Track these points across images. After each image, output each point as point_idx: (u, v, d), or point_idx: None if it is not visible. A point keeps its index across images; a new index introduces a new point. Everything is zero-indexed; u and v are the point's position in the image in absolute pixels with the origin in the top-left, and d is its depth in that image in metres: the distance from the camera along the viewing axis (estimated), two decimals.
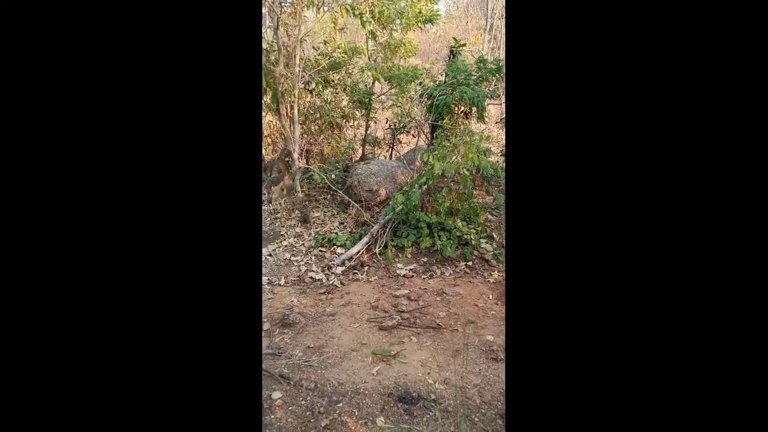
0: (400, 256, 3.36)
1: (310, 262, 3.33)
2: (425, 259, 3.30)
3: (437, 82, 4.23)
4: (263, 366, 2.05)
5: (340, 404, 1.83)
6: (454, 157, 3.39)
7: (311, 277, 3.11)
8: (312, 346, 2.28)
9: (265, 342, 2.32)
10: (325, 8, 4.19)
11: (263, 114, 4.59)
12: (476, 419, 1.74)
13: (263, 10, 4.19)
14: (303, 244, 3.61)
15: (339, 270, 3.19)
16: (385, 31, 4.46)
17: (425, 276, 3.12)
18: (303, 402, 1.85)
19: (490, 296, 2.81)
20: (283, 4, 4.07)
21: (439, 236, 3.32)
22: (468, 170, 3.24)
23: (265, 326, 2.47)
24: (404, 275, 3.13)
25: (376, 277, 3.11)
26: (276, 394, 1.88)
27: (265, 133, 4.71)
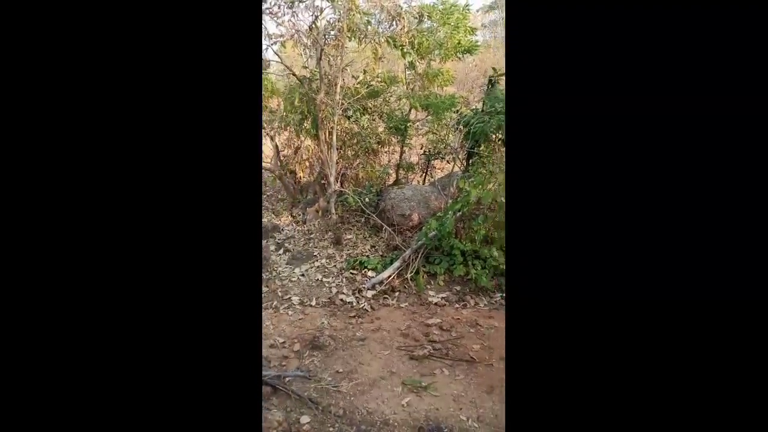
0: (432, 283, 3.29)
1: (341, 284, 3.34)
2: (458, 288, 3.21)
3: (474, 110, 4.25)
4: (293, 388, 2.03)
5: None
6: (490, 185, 3.34)
7: (342, 300, 3.10)
8: (341, 371, 2.24)
9: (295, 363, 2.31)
10: (367, 39, 4.38)
11: (302, 138, 4.77)
12: None
13: (308, 41, 4.44)
14: (335, 265, 3.63)
15: (369, 294, 3.17)
16: (423, 61, 4.58)
17: (458, 305, 3.03)
18: (331, 429, 1.80)
19: None
20: (327, 36, 4.30)
21: (473, 265, 3.24)
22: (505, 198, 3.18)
23: (296, 347, 2.47)
24: (436, 303, 3.06)
25: (406, 304, 3.05)
26: (304, 419, 1.84)
27: (304, 156, 4.88)
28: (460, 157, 4.39)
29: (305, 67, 4.72)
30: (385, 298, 3.14)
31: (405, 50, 4.07)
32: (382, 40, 4.18)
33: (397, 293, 3.18)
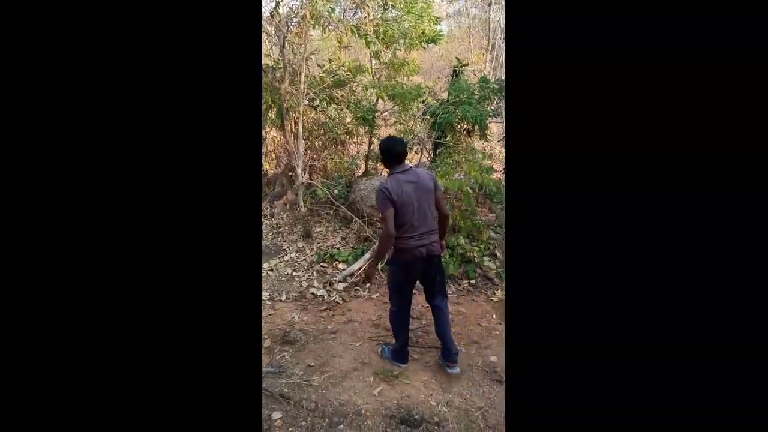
0: None
1: (311, 277, 3.32)
2: None
3: (440, 101, 4.29)
4: (263, 385, 2.01)
5: (341, 426, 1.79)
6: (456, 175, 3.41)
7: (313, 293, 3.09)
8: (313, 364, 2.25)
9: (265, 360, 2.29)
10: (331, 27, 4.29)
11: (267, 130, 4.64)
12: None
13: (270, 28, 4.29)
14: (305, 259, 3.59)
15: (341, 286, 3.17)
16: (389, 50, 4.55)
17: None
18: (303, 423, 1.81)
19: (494, 315, 2.78)
20: (289, 23, 4.17)
21: None
22: (471, 188, 3.25)
23: (266, 343, 2.44)
24: None
25: (378, 294, 3.08)
26: (276, 414, 1.84)
27: (270, 148, 4.75)
28: (427, 147, 4.43)
29: (268, 55, 4.56)
30: (356, 289, 3.16)
31: (369, 39, 4.01)
32: (347, 29, 4.10)
33: (368, 284, 3.20)
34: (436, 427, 1.78)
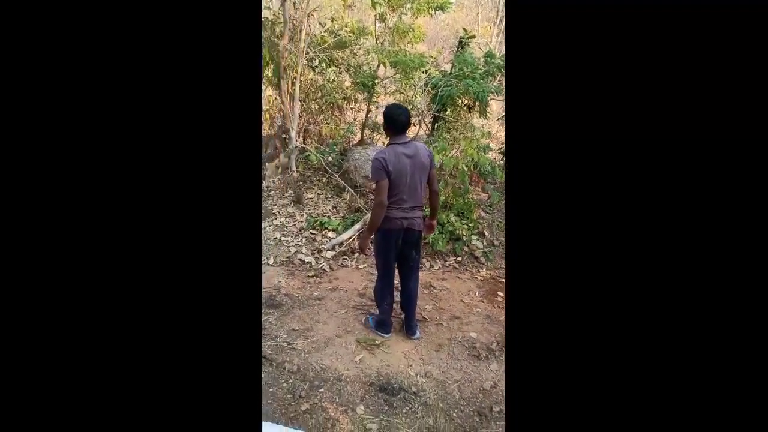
0: None
1: (300, 243, 3.31)
2: None
3: (443, 72, 4.16)
4: None
5: (322, 390, 1.85)
6: (453, 152, 3.36)
7: (300, 259, 3.10)
8: (297, 328, 2.28)
9: None
10: None
11: (263, 88, 4.47)
12: (454, 415, 1.78)
13: None
14: (294, 224, 3.57)
15: (329, 254, 3.18)
16: (394, 14, 4.34)
17: None
18: (285, 384, 1.86)
19: (477, 293, 2.84)
20: None
21: None
22: (466, 166, 3.22)
23: None
24: None
25: (365, 265, 3.11)
26: None
27: (264, 107, 4.59)
28: (426, 120, 4.34)
29: (268, 8, 4.31)
30: (344, 259, 3.17)
31: (376, 0, 3.81)
32: None
33: (356, 255, 3.22)
34: (413, 396, 1.85)
